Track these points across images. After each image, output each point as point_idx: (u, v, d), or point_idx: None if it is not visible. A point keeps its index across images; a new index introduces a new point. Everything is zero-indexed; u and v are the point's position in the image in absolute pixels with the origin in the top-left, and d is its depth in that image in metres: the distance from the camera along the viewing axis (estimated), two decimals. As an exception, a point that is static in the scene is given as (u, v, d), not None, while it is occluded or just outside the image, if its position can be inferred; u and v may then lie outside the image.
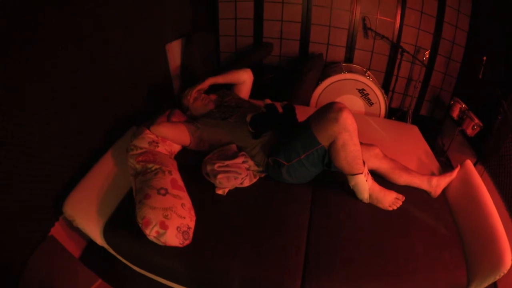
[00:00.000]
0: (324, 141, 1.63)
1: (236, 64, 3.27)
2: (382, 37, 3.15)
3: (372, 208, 1.72)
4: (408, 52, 3.03)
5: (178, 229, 1.41)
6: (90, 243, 1.83)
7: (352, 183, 1.69)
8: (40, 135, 1.49)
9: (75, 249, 1.80)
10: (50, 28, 1.47)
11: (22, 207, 1.45)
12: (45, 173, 1.55)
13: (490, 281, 1.40)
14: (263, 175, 1.89)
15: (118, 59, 2.00)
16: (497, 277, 1.37)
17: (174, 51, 2.67)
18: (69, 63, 1.62)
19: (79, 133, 1.73)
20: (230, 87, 2.40)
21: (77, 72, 1.67)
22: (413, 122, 2.91)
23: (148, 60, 2.35)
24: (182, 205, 1.51)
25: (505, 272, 1.34)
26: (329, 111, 1.59)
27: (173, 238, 1.39)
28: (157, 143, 1.83)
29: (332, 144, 1.60)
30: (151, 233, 1.36)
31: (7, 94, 1.30)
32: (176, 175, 1.69)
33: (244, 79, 2.34)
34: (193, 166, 1.88)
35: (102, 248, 1.66)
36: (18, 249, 1.47)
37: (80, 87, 1.70)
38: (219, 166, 1.75)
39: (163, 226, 1.37)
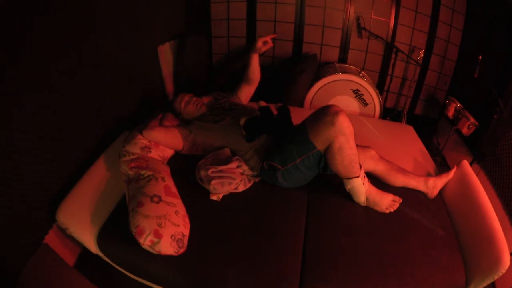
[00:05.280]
0: (320, 145, 1.61)
1: (229, 65, 3.24)
2: (377, 37, 3.14)
3: (369, 211, 1.71)
4: (402, 52, 3.02)
5: (173, 237, 1.38)
6: (85, 250, 1.80)
7: (348, 187, 1.67)
8: (40, 137, 1.47)
9: (69, 257, 1.77)
10: (49, 29, 1.45)
11: (20, 210, 1.42)
12: (42, 176, 1.53)
13: (488, 281, 1.40)
14: (257, 179, 1.87)
15: (111, 61, 1.95)
16: (496, 277, 1.37)
17: (166, 53, 2.64)
18: (67, 66, 1.60)
19: (71, 136, 1.69)
20: (227, 89, 2.38)
21: (68, 75, 1.64)
22: (408, 122, 2.92)
23: (140, 63, 2.31)
24: (176, 212, 1.49)
25: (504, 271, 1.34)
26: (325, 114, 1.56)
27: (168, 246, 1.36)
28: (149, 148, 1.80)
29: (328, 148, 1.58)
30: (145, 242, 1.34)
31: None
32: (169, 182, 1.66)
33: (257, 77, 2.35)
34: (186, 171, 1.85)
35: (97, 255, 1.63)
36: (15, 254, 1.43)
37: (74, 89, 1.67)
38: (213, 172, 1.73)
39: (157, 235, 1.35)
